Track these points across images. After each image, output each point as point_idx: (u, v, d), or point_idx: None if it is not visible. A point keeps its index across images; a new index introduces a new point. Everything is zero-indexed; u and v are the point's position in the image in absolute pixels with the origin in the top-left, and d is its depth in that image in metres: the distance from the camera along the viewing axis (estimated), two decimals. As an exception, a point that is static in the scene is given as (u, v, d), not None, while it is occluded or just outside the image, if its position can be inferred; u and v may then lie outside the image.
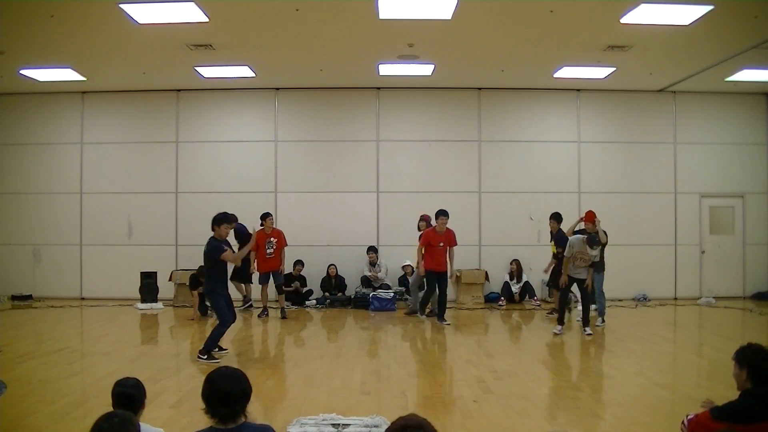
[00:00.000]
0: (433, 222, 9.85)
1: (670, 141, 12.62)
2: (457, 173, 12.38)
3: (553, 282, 10.46)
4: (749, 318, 10.65)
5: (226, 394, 2.70)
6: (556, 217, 10.35)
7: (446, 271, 9.69)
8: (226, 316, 7.20)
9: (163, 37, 9.00)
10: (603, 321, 9.42)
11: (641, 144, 12.59)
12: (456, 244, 9.73)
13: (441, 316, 9.62)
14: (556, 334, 8.69)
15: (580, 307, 9.04)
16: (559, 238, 10.04)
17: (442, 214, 9.60)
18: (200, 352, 7.12)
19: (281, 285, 10.40)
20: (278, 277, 10.32)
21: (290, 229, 11.25)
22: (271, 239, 10.20)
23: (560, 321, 8.96)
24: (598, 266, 9.20)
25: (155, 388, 5.78)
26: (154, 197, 12.37)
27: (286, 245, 10.44)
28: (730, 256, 12.72)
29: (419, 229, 10.58)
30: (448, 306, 10.01)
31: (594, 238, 8.60)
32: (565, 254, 8.82)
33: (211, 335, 7.15)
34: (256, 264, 10.31)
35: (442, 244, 9.56)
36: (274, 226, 10.57)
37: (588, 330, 8.67)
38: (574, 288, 9.19)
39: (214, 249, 7.14)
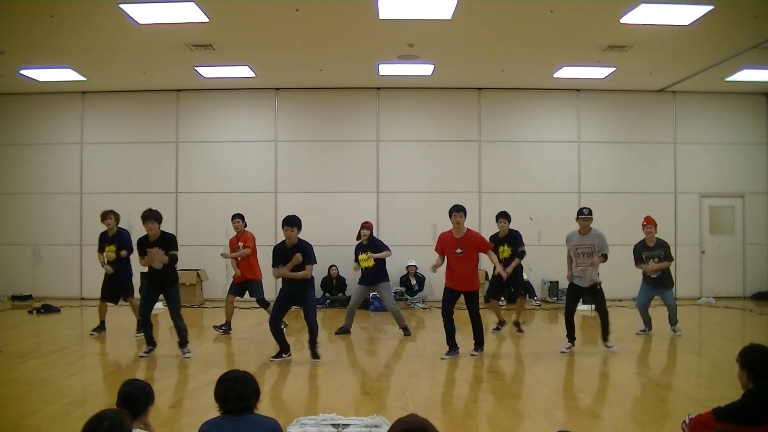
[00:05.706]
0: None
1: (670, 141, 12.62)
2: (457, 173, 12.39)
3: (492, 291, 9.22)
4: (749, 318, 10.65)
5: (239, 394, 2.81)
6: (506, 216, 8.86)
7: (472, 291, 7.35)
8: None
9: (163, 37, 9.01)
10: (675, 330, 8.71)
11: (641, 144, 12.60)
12: (486, 249, 7.50)
13: (478, 345, 7.54)
14: (563, 353, 7.47)
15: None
16: (512, 239, 8.84)
17: (453, 210, 7.28)
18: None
19: (261, 299, 8.96)
20: (256, 290, 8.92)
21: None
22: (241, 244, 9.00)
23: (570, 337, 7.58)
24: (665, 282, 8.63)
25: (155, 388, 5.71)
26: (154, 197, 12.30)
27: (253, 249, 8.92)
28: (730, 256, 12.72)
29: (359, 238, 9.03)
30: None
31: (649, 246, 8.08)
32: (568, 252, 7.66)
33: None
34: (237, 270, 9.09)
35: (460, 251, 7.20)
36: (246, 229, 9.19)
37: (611, 344, 7.50)
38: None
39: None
